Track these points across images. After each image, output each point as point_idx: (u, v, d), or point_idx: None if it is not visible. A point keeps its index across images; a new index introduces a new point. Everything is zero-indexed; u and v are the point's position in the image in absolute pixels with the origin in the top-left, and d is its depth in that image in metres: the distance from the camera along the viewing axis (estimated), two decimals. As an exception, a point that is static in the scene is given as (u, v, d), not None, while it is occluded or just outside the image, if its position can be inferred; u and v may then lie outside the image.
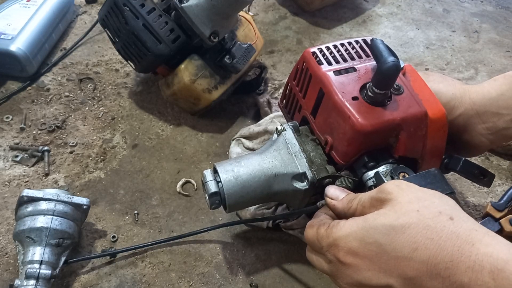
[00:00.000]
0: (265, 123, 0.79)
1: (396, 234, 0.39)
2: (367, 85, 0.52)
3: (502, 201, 0.74)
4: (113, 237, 0.69)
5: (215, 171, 0.57)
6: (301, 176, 0.55)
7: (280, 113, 0.78)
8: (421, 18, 1.21)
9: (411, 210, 0.40)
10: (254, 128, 0.79)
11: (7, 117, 0.83)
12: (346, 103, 0.52)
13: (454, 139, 0.61)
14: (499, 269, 0.35)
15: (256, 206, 0.69)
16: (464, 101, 0.58)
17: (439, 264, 0.37)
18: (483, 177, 0.61)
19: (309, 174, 0.54)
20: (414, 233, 0.39)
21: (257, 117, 0.88)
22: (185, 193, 0.75)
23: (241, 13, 0.85)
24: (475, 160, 0.86)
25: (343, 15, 1.17)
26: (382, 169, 0.52)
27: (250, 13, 1.06)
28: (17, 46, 0.86)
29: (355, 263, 0.42)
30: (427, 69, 1.05)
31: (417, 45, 1.12)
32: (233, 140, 0.80)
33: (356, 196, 0.46)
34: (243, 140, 0.78)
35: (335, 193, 0.49)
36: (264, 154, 0.57)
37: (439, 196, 0.42)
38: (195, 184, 0.77)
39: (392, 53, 0.51)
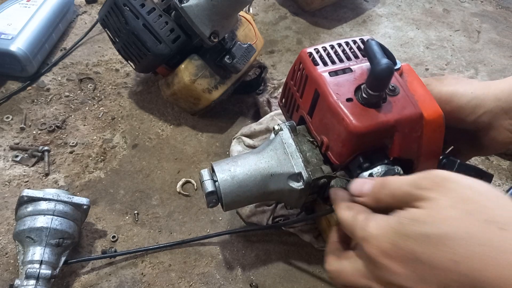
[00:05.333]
0: (266, 121, 0.79)
1: (432, 244, 0.34)
2: (362, 87, 0.52)
3: (502, 201, 0.74)
4: (113, 237, 0.69)
5: (212, 170, 0.57)
6: (296, 176, 0.56)
7: (280, 110, 0.78)
8: (421, 18, 1.21)
9: (453, 218, 0.34)
10: (255, 126, 0.79)
11: (7, 117, 0.83)
12: (340, 105, 0.52)
13: (477, 137, 0.60)
14: None
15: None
16: (487, 99, 0.56)
17: (487, 279, 0.32)
18: (481, 178, 0.61)
19: (305, 174, 0.55)
20: (454, 245, 0.33)
21: (257, 116, 0.88)
22: (185, 193, 0.75)
23: (241, 13, 0.85)
24: (475, 160, 0.86)
25: (343, 15, 1.17)
26: (376, 170, 0.52)
27: (250, 13, 1.06)
28: (17, 46, 0.86)
29: (390, 266, 0.37)
30: (427, 69, 1.05)
31: (417, 45, 1.12)
32: (234, 138, 0.80)
33: (385, 186, 0.41)
34: (244, 138, 0.78)
35: (357, 189, 0.45)
36: (261, 154, 0.58)
37: (493, 197, 0.35)
38: (195, 184, 0.77)
39: (387, 55, 0.50)
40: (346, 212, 0.43)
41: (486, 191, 0.36)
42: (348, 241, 0.48)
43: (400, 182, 0.40)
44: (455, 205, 0.35)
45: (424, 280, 0.35)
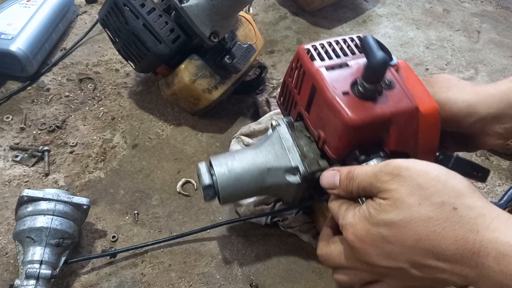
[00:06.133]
0: (265, 120, 0.80)
1: (398, 228, 0.40)
2: (358, 80, 0.53)
3: (502, 201, 0.74)
4: (113, 237, 0.69)
5: (210, 165, 0.57)
6: (293, 170, 0.56)
7: (279, 110, 0.78)
8: (421, 18, 1.21)
9: (412, 204, 0.40)
10: (255, 126, 0.79)
11: (7, 117, 0.83)
12: (337, 98, 0.52)
13: (467, 139, 0.60)
14: (504, 254, 0.35)
15: (255, 202, 0.69)
16: (478, 107, 0.57)
17: (444, 251, 0.38)
18: (477, 173, 0.61)
19: (301, 168, 0.55)
20: (415, 227, 0.39)
21: (256, 116, 0.88)
22: (185, 193, 0.75)
23: (241, 13, 0.85)
24: (475, 160, 0.86)
25: (343, 15, 1.18)
26: (372, 163, 0.53)
27: (250, 13, 1.06)
28: (17, 46, 0.86)
29: (364, 248, 0.43)
30: (427, 69, 1.05)
31: (417, 45, 1.12)
32: (233, 138, 0.80)
33: (352, 179, 0.46)
34: (243, 137, 0.78)
35: (330, 182, 0.49)
36: (258, 149, 0.58)
37: (444, 180, 0.41)
38: (195, 184, 0.77)
39: (384, 49, 0.51)
40: (333, 203, 0.49)
41: (437, 174, 0.41)
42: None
43: (364, 174, 0.45)
44: (413, 192, 0.40)
45: (394, 258, 0.41)
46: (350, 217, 0.45)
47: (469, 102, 0.57)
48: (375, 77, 0.51)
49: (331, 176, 0.49)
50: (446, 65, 1.07)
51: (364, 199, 0.46)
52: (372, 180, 0.44)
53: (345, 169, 0.48)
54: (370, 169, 0.45)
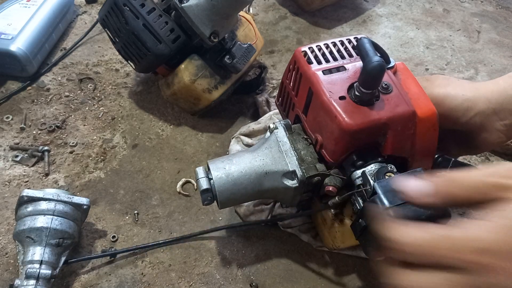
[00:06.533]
0: (264, 120, 0.80)
1: None
2: (355, 85, 0.53)
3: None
4: (113, 237, 0.69)
5: (208, 169, 0.57)
6: (291, 174, 0.56)
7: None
8: (421, 18, 1.21)
9: None
10: (254, 126, 0.79)
11: (7, 117, 0.83)
12: (333, 103, 0.52)
13: (468, 137, 0.60)
14: None
15: (254, 202, 0.70)
16: (478, 101, 0.57)
17: None
18: None
19: (299, 172, 0.55)
20: None
21: (256, 116, 0.88)
22: (185, 193, 0.75)
23: (241, 13, 0.85)
24: (475, 160, 0.86)
25: (343, 15, 1.17)
26: (369, 168, 0.53)
27: (250, 13, 1.06)
28: (17, 46, 0.86)
29: (507, 268, 0.32)
30: (427, 69, 1.05)
31: (417, 45, 1.12)
32: (232, 138, 0.80)
33: (454, 181, 0.36)
34: (243, 137, 0.79)
35: (419, 187, 0.38)
36: (256, 152, 0.58)
37: None
38: (195, 184, 0.77)
39: (380, 53, 0.51)
40: (417, 233, 0.35)
41: None
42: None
43: (476, 175, 0.36)
44: None
45: None
46: (484, 233, 0.33)
47: (468, 96, 0.57)
48: (371, 83, 0.51)
49: (418, 182, 0.38)
50: (446, 65, 1.07)
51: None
52: (492, 179, 0.35)
53: (436, 174, 0.38)
54: (481, 170, 0.36)
